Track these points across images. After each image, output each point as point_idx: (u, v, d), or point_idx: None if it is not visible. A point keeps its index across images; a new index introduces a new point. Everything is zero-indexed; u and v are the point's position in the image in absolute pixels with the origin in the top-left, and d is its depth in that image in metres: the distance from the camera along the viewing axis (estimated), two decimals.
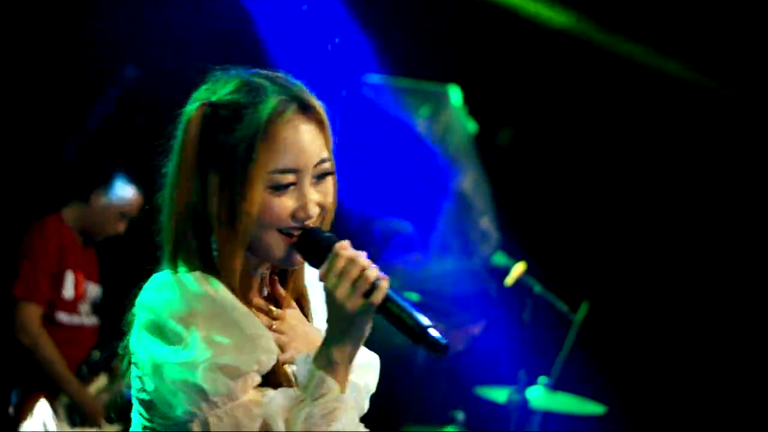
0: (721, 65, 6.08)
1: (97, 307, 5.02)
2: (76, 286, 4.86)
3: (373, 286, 1.84)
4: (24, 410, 4.65)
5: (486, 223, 6.18)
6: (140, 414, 1.93)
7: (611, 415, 5.18)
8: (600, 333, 5.62)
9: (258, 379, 1.86)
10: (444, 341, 1.83)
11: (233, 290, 1.89)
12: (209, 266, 1.90)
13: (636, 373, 6.11)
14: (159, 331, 1.84)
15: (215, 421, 1.81)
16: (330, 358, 1.85)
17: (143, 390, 1.89)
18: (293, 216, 1.89)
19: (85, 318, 4.94)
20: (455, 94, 6.17)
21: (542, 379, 5.07)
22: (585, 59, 6.16)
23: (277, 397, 1.85)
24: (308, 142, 1.90)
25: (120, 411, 4.89)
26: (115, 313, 5.08)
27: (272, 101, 1.88)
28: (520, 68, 6.24)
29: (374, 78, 6.12)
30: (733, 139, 6.12)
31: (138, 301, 1.91)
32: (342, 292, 1.83)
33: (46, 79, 5.26)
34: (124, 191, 4.92)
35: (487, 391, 5.20)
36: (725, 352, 6.03)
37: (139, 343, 1.88)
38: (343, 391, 1.86)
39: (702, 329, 6.10)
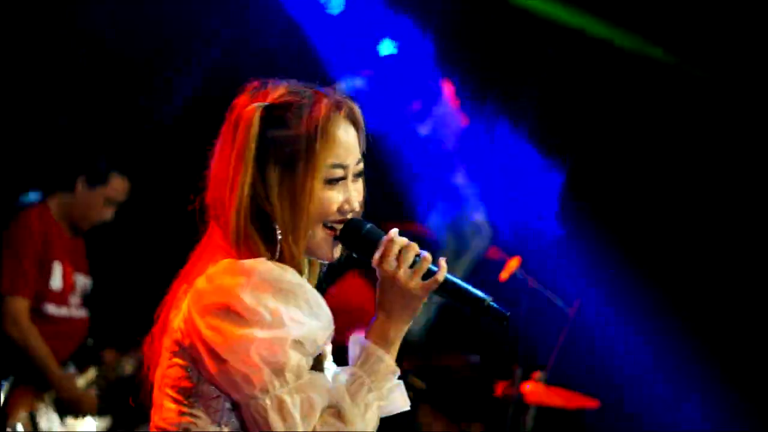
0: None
1: (86, 299, 4.97)
2: (65, 277, 4.82)
3: (431, 268, 2.05)
4: (12, 404, 4.62)
5: (479, 217, 6.17)
6: (176, 402, 2.01)
7: (605, 410, 5.17)
8: (594, 327, 5.62)
9: (311, 360, 2.00)
10: (505, 311, 2.04)
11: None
12: (272, 254, 2.04)
13: (630, 368, 6.10)
14: (234, 313, 1.94)
15: (289, 398, 1.93)
16: (386, 335, 2.05)
17: (193, 375, 1.98)
18: (339, 209, 2.07)
19: (75, 310, 4.89)
20: (448, 88, 6.15)
21: (537, 374, 5.06)
22: (578, 48, 6.15)
23: (339, 375, 2.03)
24: (353, 142, 2.10)
25: (110, 403, 4.89)
26: (104, 305, 5.04)
27: (326, 103, 2.07)
28: (512, 59, 6.22)
29: (367, 72, 6.10)
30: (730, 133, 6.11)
31: (200, 288, 2.00)
32: (403, 274, 2.03)
33: (31, 72, 5.22)
34: (109, 178, 4.89)
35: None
36: (719, 345, 6.03)
37: (203, 328, 1.96)
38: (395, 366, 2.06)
39: (696, 322, 6.10)
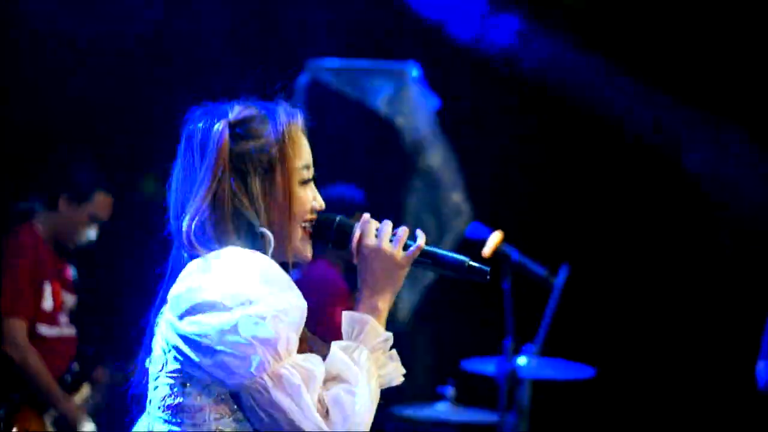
0: None
1: (72, 316, 4.94)
2: (54, 297, 4.79)
3: (408, 243, 2.17)
4: (12, 426, 4.58)
5: (457, 197, 6.16)
6: (165, 421, 2.04)
7: (599, 377, 5.17)
8: (582, 296, 5.61)
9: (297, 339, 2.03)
10: (485, 268, 2.19)
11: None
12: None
13: (621, 333, 6.12)
14: (212, 303, 1.97)
15: (286, 372, 1.94)
16: (375, 307, 2.13)
17: (177, 392, 2.01)
18: (311, 208, 2.18)
19: (65, 329, 4.86)
20: (415, 71, 6.14)
21: (528, 347, 5.05)
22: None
23: (335, 349, 2.06)
24: (308, 147, 2.20)
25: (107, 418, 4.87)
26: (88, 322, 4.99)
27: (283, 110, 2.17)
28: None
29: (331, 61, 6.07)
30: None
31: (175, 294, 2.03)
32: (387, 246, 2.15)
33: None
34: (93, 195, 4.84)
35: (475, 364, 5.18)
36: (710, 311, 6.05)
37: (186, 329, 1.98)
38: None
39: (686, 286, 6.11)
